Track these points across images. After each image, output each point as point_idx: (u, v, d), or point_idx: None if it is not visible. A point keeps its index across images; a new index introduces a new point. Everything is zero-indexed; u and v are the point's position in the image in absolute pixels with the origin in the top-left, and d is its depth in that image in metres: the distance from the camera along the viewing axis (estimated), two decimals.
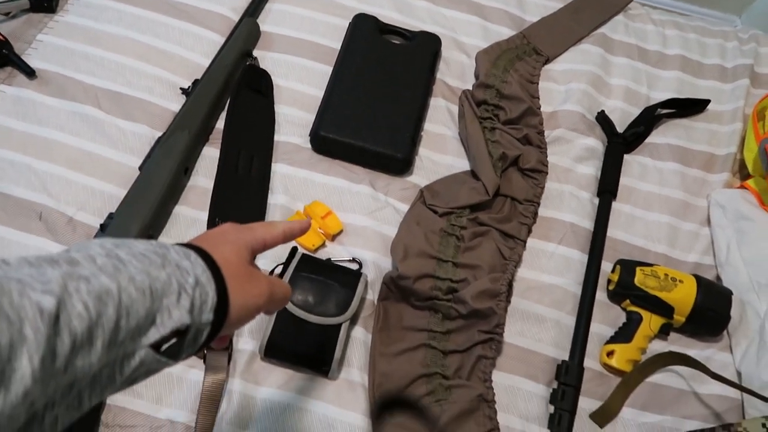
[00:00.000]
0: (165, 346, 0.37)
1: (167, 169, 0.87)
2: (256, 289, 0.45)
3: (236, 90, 0.96)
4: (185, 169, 0.90)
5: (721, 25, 1.25)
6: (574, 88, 1.08)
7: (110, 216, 0.83)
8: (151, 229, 0.84)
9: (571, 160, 1.01)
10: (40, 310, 0.30)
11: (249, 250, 0.47)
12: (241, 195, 0.89)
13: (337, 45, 1.05)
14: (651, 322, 0.87)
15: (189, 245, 0.43)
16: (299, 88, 1.02)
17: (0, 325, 0.28)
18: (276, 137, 0.97)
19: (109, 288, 0.34)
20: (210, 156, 0.93)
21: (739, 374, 0.86)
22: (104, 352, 0.33)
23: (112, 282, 0.34)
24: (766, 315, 0.85)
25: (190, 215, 0.89)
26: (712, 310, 0.86)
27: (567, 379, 0.83)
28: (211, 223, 0.85)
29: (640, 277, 0.88)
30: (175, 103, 0.96)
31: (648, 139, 1.07)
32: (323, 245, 0.89)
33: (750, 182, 0.98)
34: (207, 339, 0.41)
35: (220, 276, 0.41)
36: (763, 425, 0.64)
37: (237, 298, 0.42)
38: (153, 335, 0.37)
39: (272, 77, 1.01)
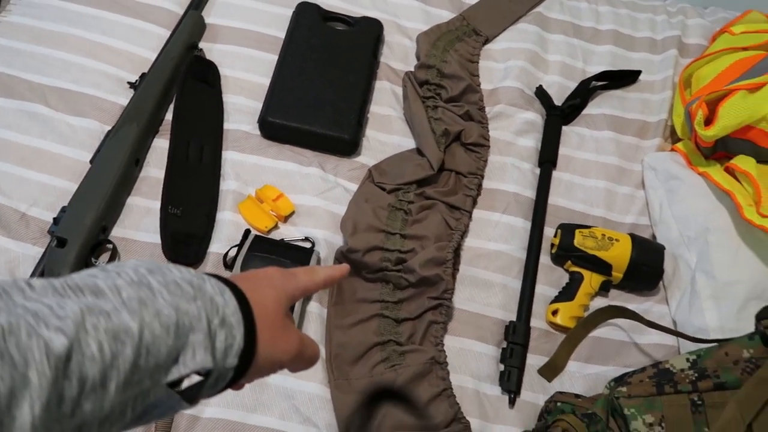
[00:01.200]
0: (184, 386, 0.36)
1: (118, 161, 0.89)
2: (287, 344, 0.43)
3: (183, 81, 0.98)
4: (136, 160, 0.92)
5: (651, 0, 1.31)
6: (513, 66, 1.12)
7: (63, 210, 0.85)
8: (104, 221, 0.86)
9: (512, 133, 1.06)
10: (48, 352, 0.28)
11: (289, 298, 0.45)
12: (193, 183, 0.92)
13: (282, 34, 1.08)
14: (591, 280, 0.92)
15: (227, 281, 0.41)
16: (246, 77, 1.04)
17: (2, 371, 0.26)
18: (225, 125, 0.99)
19: (129, 327, 0.32)
20: (161, 147, 0.95)
21: (674, 323, 0.92)
22: (118, 394, 0.31)
23: (134, 319, 0.33)
24: (696, 266, 0.91)
25: (143, 205, 0.91)
26: (646, 265, 0.91)
27: (515, 338, 0.87)
28: (164, 211, 0.87)
29: (579, 239, 0.93)
30: (123, 98, 0.98)
31: (585, 111, 1.12)
32: (276, 227, 0.92)
33: (679, 145, 1.04)
34: (227, 384, 0.39)
35: (251, 320, 0.39)
36: (687, 360, 0.69)
37: (265, 347, 0.40)
38: (174, 374, 0.34)
39: (219, 68, 1.04)
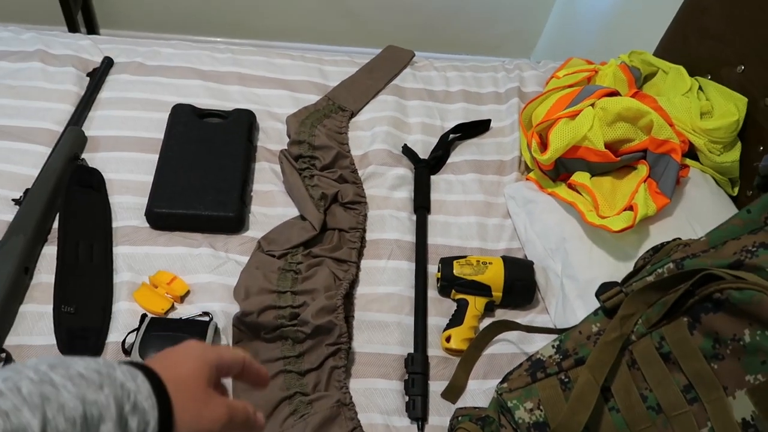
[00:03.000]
0: None
1: (6, 272, 0.91)
2: (213, 413, 0.43)
3: (68, 189, 1.03)
4: (25, 269, 0.94)
5: (491, 62, 1.50)
6: (379, 131, 1.25)
7: None
8: None
9: (387, 188, 1.16)
10: None
11: (212, 368, 0.45)
12: (85, 280, 0.94)
13: (161, 136, 1.16)
14: (476, 303, 1.01)
15: (140, 365, 0.41)
16: (131, 177, 1.11)
17: None
18: (114, 224, 1.04)
19: (30, 425, 0.31)
20: (50, 254, 0.98)
21: (555, 327, 1.00)
22: None
23: (36, 416, 0.32)
24: (562, 273, 1.02)
25: (36, 311, 0.92)
26: (519, 280, 1.01)
27: (414, 369, 0.93)
28: (57, 311, 0.89)
29: (457, 268, 1.02)
30: (9, 215, 1.01)
31: (449, 160, 1.25)
32: (173, 308, 0.95)
33: (531, 174, 1.18)
34: None
35: (167, 400, 0.40)
36: (553, 346, 0.77)
37: (187, 423, 0.40)
38: None
39: (103, 173, 1.09)
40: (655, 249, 0.87)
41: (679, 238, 0.82)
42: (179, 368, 0.43)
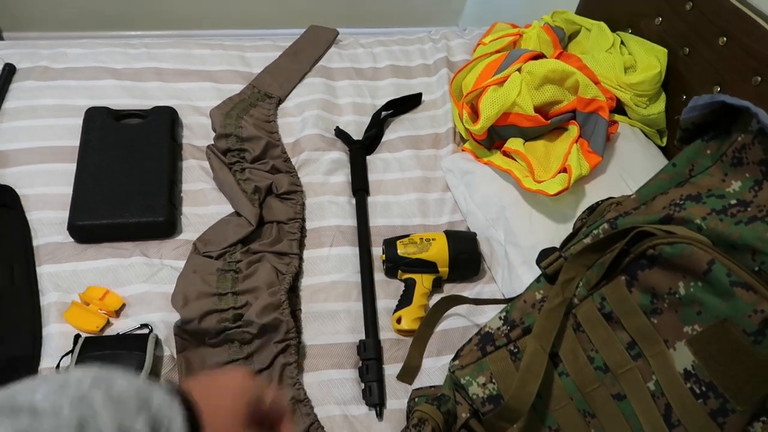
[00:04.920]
0: None
1: None
2: None
3: None
4: None
5: (417, 33, 1.48)
6: (308, 116, 1.22)
7: None
8: None
9: (322, 174, 1.13)
10: None
11: (251, 406, 0.43)
12: (7, 306, 0.88)
13: (77, 142, 1.09)
14: (423, 281, 1.00)
15: (177, 389, 0.39)
16: (48, 191, 1.04)
17: None
18: (35, 242, 0.98)
19: None
20: None
21: (503, 295, 1.01)
22: None
23: None
24: (505, 240, 1.02)
25: None
26: (464, 253, 1.01)
27: (367, 355, 0.92)
28: None
29: (401, 248, 1.01)
30: None
31: (384, 139, 1.23)
32: (108, 324, 0.91)
33: (466, 145, 1.17)
34: None
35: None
36: (500, 318, 0.77)
37: None
38: None
39: (17, 189, 1.02)
40: (591, 209, 0.87)
41: (612, 197, 0.83)
42: (218, 398, 0.41)
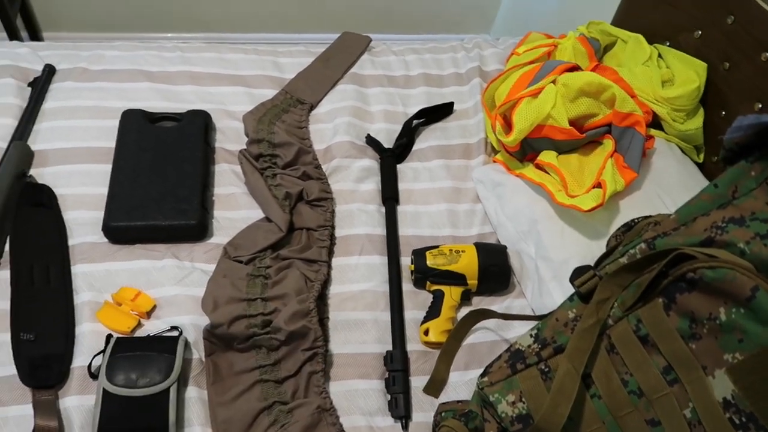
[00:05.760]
0: None
1: None
2: None
3: (16, 209, 0.98)
4: None
5: (449, 42, 1.47)
6: (340, 122, 1.22)
7: None
8: None
9: (353, 182, 1.13)
10: None
11: None
12: (43, 305, 0.90)
13: (113, 144, 1.11)
14: (452, 293, 0.99)
15: None
16: (84, 191, 1.05)
17: None
18: (70, 241, 0.99)
19: None
20: (4, 278, 0.93)
21: (533, 310, 1.00)
22: None
23: None
24: (536, 255, 1.00)
25: None
26: (494, 266, 1.00)
27: (394, 366, 0.91)
28: (16, 339, 0.85)
29: (430, 259, 1.00)
30: None
31: (414, 147, 1.23)
32: (140, 325, 0.92)
33: (498, 156, 1.16)
34: None
35: None
36: (531, 335, 0.76)
37: None
38: None
39: (54, 188, 1.04)
40: (627, 226, 0.86)
41: (650, 216, 0.81)
42: None
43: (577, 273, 0.75)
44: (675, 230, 0.68)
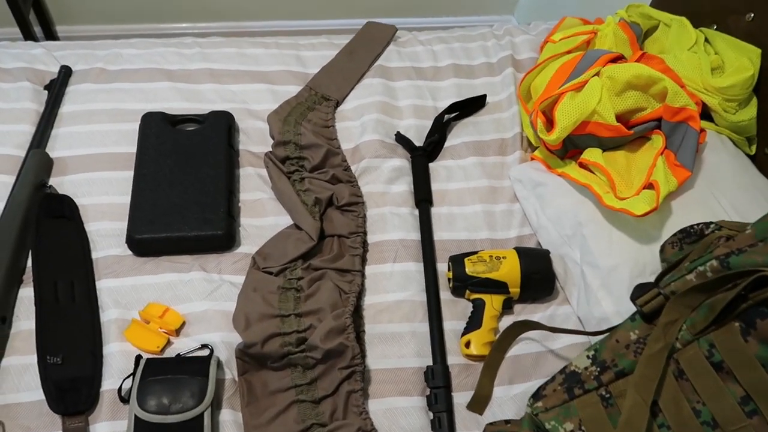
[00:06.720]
0: None
1: None
2: None
3: (37, 223, 0.94)
4: (2, 318, 0.86)
5: (479, 30, 1.40)
6: (368, 120, 1.16)
7: None
8: None
9: (383, 183, 1.08)
10: None
11: None
12: (69, 325, 0.86)
13: (134, 149, 1.06)
14: (493, 302, 0.94)
15: None
16: (106, 200, 1.01)
17: None
18: (94, 255, 0.95)
19: None
20: (28, 297, 0.90)
21: (579, 319, 0.94)
22: None
23: None
24: (581, 260, 0.95)
25: (20, 363, 0.84)
26: (537, 273, 0.94)
27: (435, 383, 0.87)
28: (42, 363, 0.82)
29: (470, 267, 0.95)
30: None
31: (446, 144, 1.17)
32: (169, 343, 0.88)
33: (536, 153, 1.10)
34: None
35: None
36: (587, 357, 0.71)
37: None
38: None
39: (75, 198, 1.00)
40: (685, 233, 0.80)
41: (712, 223, 0.75)
42: None
43: (639, 290, 0.70)
44: (752, 246, 0.62)
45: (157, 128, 1.06)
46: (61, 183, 1.03)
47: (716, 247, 0.67)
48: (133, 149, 1.06)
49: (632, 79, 0.96)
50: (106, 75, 1.19)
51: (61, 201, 0.99)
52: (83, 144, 1.08)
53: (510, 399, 0.88)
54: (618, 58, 1.03)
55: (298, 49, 1.30)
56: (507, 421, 0.80)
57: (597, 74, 1.00)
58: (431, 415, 0.85)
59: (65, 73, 1.17)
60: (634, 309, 0.78)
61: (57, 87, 1.14)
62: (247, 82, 1.21)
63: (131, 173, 1.03)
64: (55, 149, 1.07)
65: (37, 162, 1.02)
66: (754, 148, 1.12)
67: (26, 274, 0.92)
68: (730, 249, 0.64)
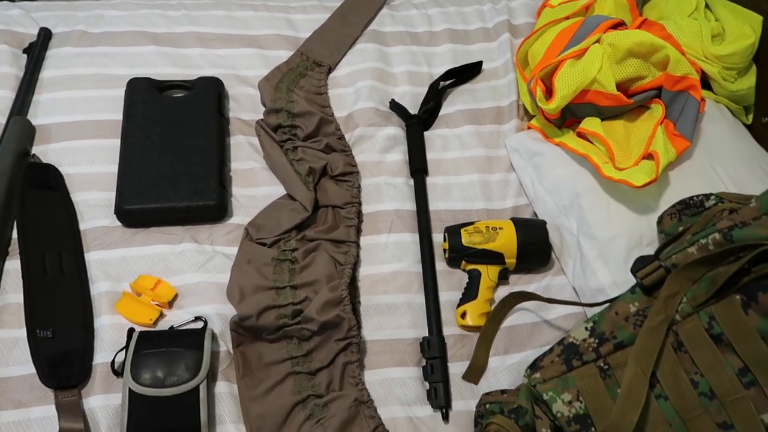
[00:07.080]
0: None
1: None
2: None
3: (21, 193, 0.91)
4: None
5: None
6: (362, 86, 1.13)
7: None
8: None
9: (378, 152, 1.06)
10: None
11: None
12: (58, 297, 0.85)
13: (120, 116, 1.03)
14: (489, 273, 0.94)
15: None
16: (92, 170, 0.98)
17: None
18: (82, 226, 0.93)
19: None
20: (14, 269, 0.88)
21: (575, 290, 0.94)
22: None
23: None
24: (578, 231, 0.94)
25: (8, 337, 0.83)
26: (533, 244, 0.94)
27: (431, 353, 0.87)
28: (33, 337, 0.80)
29: (466, 237, 0.94)
30: None
31: (441, 112, 1.14)
32: (162, 316, 0.87)
33: (533, 122, 1.08)
34: None
35: None
36: (586, 328, 0.71)
37: None
38: None
39: (60, 167, 0.97)
40: (684, 204, 0.80)
41: (715, 196, 0.74)
42: None
43: (640, 263, 0.69)
44: (756, 220, 0.62)
45: (143, 95, 1.03)
46: (44, 152, 1.00)
47: (719, 219, 0.66)
48: (119, 116, 1.03)
49: (634, 47, 0.94)
50: (88, 38, 1.14)
51: (46, 170, 0.96)
52: (67, 111, 1.04)
53: (505, 369, 0.88)
54: (618, 25, 1.01)
55: (289, 12, 1.25)
56: (503, 391, 0.80)
57: (597, 41, 0.98)
58: (427, 385, 0.85)
59: (45, 35, 1.12)
60: (630, 280, 0.78)
61: (36, 51, 1.10)
62: (236, 46, 1.17)
63: (118, 141, 1.00)
64: (37, 116, 1.03)
65: (19, 129, 0.99)
66: (751, 117, 1.11)
67: (12, 247, 0.90)
68: (734, 222, 0.63)
